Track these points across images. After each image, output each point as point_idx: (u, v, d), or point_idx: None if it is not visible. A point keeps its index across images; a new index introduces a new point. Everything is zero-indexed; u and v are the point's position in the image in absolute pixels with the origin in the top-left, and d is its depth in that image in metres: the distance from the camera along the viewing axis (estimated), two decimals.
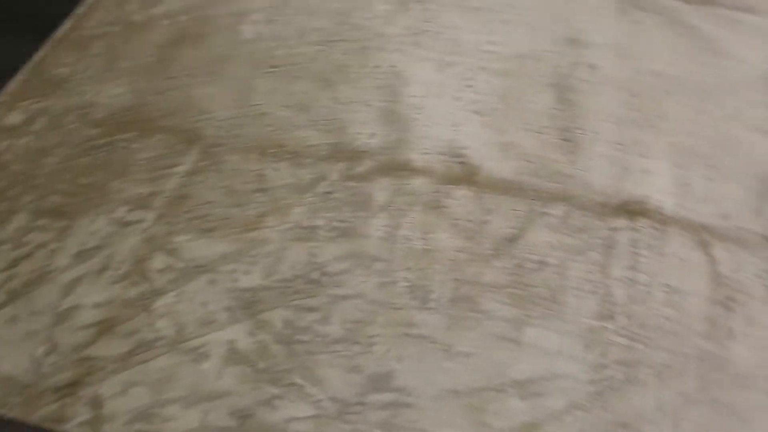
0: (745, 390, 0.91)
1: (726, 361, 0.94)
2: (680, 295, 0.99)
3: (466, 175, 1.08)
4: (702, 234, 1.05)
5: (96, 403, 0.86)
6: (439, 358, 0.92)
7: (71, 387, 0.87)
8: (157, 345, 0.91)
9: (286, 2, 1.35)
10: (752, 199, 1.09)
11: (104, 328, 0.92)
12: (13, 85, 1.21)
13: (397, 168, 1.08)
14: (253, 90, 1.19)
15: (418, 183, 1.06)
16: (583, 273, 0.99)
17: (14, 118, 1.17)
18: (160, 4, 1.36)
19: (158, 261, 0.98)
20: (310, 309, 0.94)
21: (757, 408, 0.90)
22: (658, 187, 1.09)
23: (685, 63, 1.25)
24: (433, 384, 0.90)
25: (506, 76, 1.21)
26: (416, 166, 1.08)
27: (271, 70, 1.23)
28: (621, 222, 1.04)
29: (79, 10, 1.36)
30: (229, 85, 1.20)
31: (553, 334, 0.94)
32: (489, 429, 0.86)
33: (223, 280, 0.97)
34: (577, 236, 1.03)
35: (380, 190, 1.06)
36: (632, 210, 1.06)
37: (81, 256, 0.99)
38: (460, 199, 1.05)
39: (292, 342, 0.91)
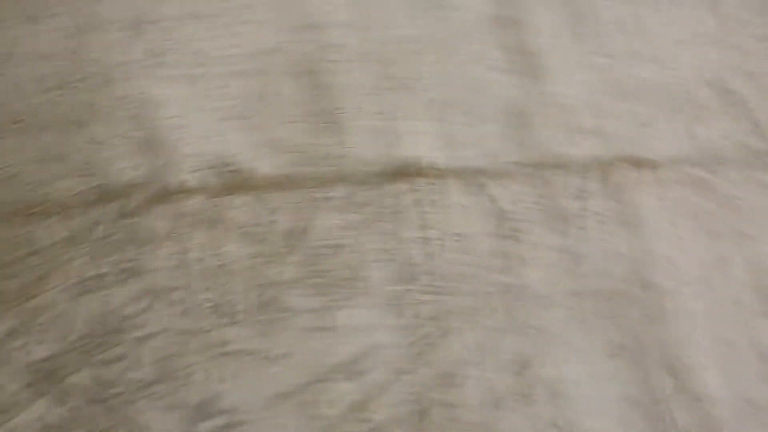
0: (546, 309, 0.99)
1: (525, 287, 1.01)
2: (471, 239, 1.05)
3: (242, 182, 1.09)
4: (477, 178, 1.12)
5: None
6: (261, 366, 0.92)
7: None
8: None
9: (11, 51, 1.29)
10: (510, 133, 1.18)
11: None
12: None
13: (170, 193, 1.07)
14: None
15: (196, 202, 1.06)
16: (377, 244, 1.03)
17: None
18: None
19: None
20: (117, 359, 0.92)
21: (559, 320, 0.98)
22: (426, 145, 1.14)
23: (422, 22, 1.32)
24: (260, 394, 0.91)
25: (258, 75, 1.22)
26: (190, 186, 1.08)
27: (14, 126, 1.18)
28: (401, 187, 1.09)
29: None
30: None
31: (363, 311, 0.97)
32: (324, 419, 0.88)
33: (15, 357, 0.92)
34: (364, 211, 1.06)
35: (159, 219, 1.04)
36: (408, 173, 1.11)
37: None
38: (242, 207, 1.05)
39: (107, 398, 0.89)
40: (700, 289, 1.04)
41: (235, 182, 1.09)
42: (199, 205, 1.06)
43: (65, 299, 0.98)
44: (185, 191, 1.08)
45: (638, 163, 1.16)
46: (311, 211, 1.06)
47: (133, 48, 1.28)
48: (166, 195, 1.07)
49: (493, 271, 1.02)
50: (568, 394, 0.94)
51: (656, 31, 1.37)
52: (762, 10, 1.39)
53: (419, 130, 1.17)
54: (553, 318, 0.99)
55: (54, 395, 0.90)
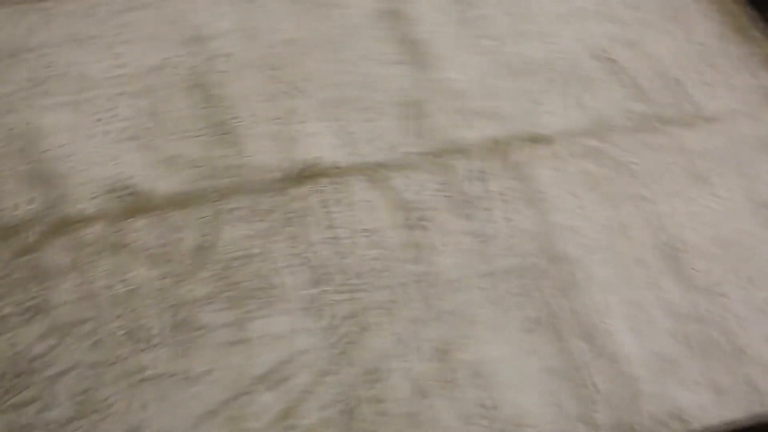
0: (461, 293, 1.01)
1: (438, 275, 1.02)
2: (380, 233, 1.06)
3: (142, 204, 1.07)
4: (379, 172, 1.13)
5: None
6: (182, 387, 0.91)
7: None
8: None
9: None
10: (407, 124, 1.19)
11: None
12: None
13: (69, 223, 1.04)
14: None
15: (96, 229, 1.04)
16: (287, 250, 1.03)
17: None
18: None
19: None
20: (31, 401, 0.90)
21: (475, 303, 1.00)
22: (325, 145, 1.15)
23: (308, 23, 1.33)
24: (186, 416, 0.90)
25: (147, 93, 1.21)
26: (88, 213, 1.06)
27: None
28: (304, 190, 1.09)
29: None
30: None
31: (280, 318, 0.97)
32: None
33: None
34: (270, 218, 1.06)
35: (60, 252, 1.02)
36: (311, 175, 1.11)
37: None
38: (145, 229, 1.04)
39: None
40: (605, 255, 1.08)
41: (136, 205, 1.07)
42: (101, 232, 1.04)
43: None
44: (84, 220, 1.05)
45: (534, 140, 1.20)
46: (216, 224, 1.06)
47: (14, 78, 1.24)
48: (64, 226, 1.05)
49: (405, 263, 1.04)
50: (490, 373, 0.96)
51: (539, 9, 1.41)
52: None
53: (317, 131, 1.17)
54: (469, 301, 1.01)
55: None
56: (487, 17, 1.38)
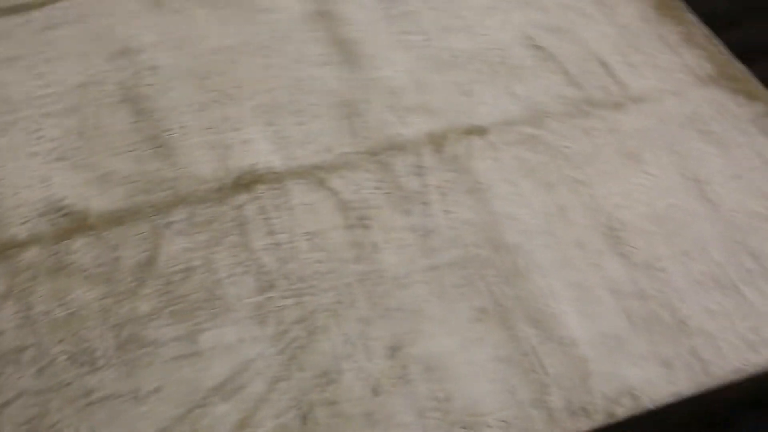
0: (406, 288, 1.02)
1: (382, 272, 1.03)
2: (321, 236, 1.06)
3: (77, 224, 1.06)
4: (316, 174, 1.13)
5: None
6: (132, 407, 0.90)
7: None
8: None
9: None
10: (341, 124, 1.20)
11: None
12: None
13: (2, 250, 1.02)
14: None
15: (32, 254, 1.02)
16: (229, 260, 1.03)
17: None
18: None
19: None
20: None
21: (421, 297, 1.01)
22: (260, 151, 1.15)
23: (235, 30, 1.32)
24: None
25: (74, 112, 1.19)
26: (22, 238, 1.04)
27: None
28: (242, 198, 1.09)
29: None
30: None
31: (228, 328, 0.97)
32: None
33: None
34: (209, 229, 1.05)
35: None
36: (247, 182, 1.11)
37: None
38: (82, 250, 1.02)
39: None
40: (546, 240, 1.10)
41: (70, 226, 1.06)
42: (36, 257, 1.02)
43: None
44: (18, 245, 1.04)
45: (469, 132, 1.21)
46: (155, 239, 1.05)
47: None
48: None
49: (348, 263, 1.04)
50: (441, 366, 0.97)
51: (463, 1, 1.42)
52: None
53: (251, 138, 1.17)
54: (415, 296, 1.02)
55: None
56: (413, 13, 1.39)
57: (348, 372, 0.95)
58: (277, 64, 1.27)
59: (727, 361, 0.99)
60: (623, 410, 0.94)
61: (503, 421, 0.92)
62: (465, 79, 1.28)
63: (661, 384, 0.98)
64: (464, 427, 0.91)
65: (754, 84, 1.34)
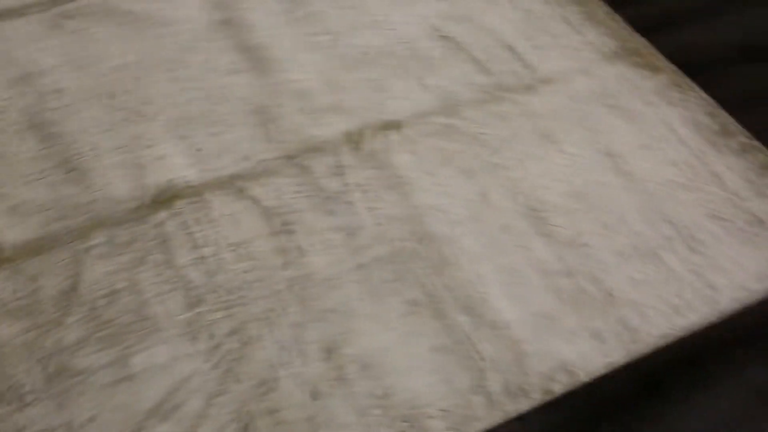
0: (337, 289, 1.02)
1: (311, 276, 1.03)
2: (246, 245, 1.06)
3: None
4: (234, 184, 1.12)
5: None
6: None
7: None
8: None
9: None
10: (257, 131, 1.20)
11: None
12: None
13: None
14: None
15: None
16: (155, 279, 1.02)
17: None
18: None
19: None
20: None
21: (352, 297, 1.01)
22: (176, 166, 1.14)
23: (139, 46, 1.31)
24: None
25: None
26: None
27: None
28: (162, 215, 1.08)
29: None
30: None
31: (159, 348, 0.96)
32: None
33: None
34: (131, 249, 1.04)
35: None
36: (165, 199, 1.10)
37: None
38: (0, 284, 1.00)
39: None
40: (471, 227, 1.12)
41: None
42: None
43: None
44: None
45: (385, 127, 1.22)
46: (76, 265, 1.03)
47: None
48: None
49: (276, 270, 1.04)
50: (378, 363, 0.98)
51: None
52: None
53: (165, 153, 1.16)
54: (346, 296, 1.02)
55: None
56: (319, 13, 1.39)
57: (285, 379, 0.95)
58: (185, 76, 1.26)
59: (654, 327, 1.03)
60: (560, 386, 0.96)
61: (444, 410, 0.93)
62: (376, 75, 1.29)
63: (594, 356, 1.00)
64: (405, 421, 0.92)
65: (657, 57, 1.38)
